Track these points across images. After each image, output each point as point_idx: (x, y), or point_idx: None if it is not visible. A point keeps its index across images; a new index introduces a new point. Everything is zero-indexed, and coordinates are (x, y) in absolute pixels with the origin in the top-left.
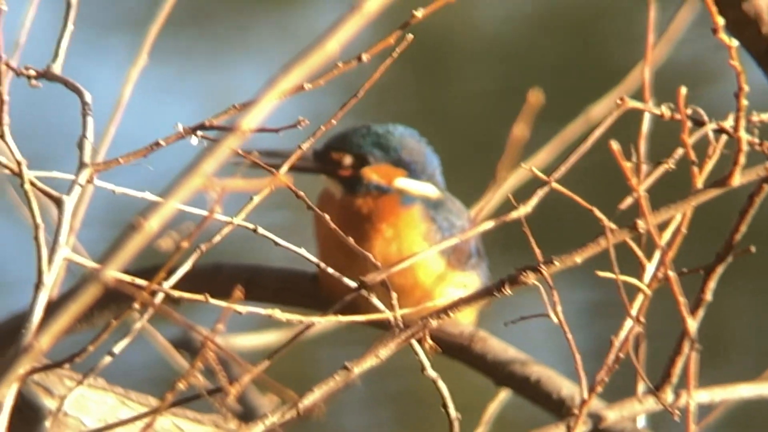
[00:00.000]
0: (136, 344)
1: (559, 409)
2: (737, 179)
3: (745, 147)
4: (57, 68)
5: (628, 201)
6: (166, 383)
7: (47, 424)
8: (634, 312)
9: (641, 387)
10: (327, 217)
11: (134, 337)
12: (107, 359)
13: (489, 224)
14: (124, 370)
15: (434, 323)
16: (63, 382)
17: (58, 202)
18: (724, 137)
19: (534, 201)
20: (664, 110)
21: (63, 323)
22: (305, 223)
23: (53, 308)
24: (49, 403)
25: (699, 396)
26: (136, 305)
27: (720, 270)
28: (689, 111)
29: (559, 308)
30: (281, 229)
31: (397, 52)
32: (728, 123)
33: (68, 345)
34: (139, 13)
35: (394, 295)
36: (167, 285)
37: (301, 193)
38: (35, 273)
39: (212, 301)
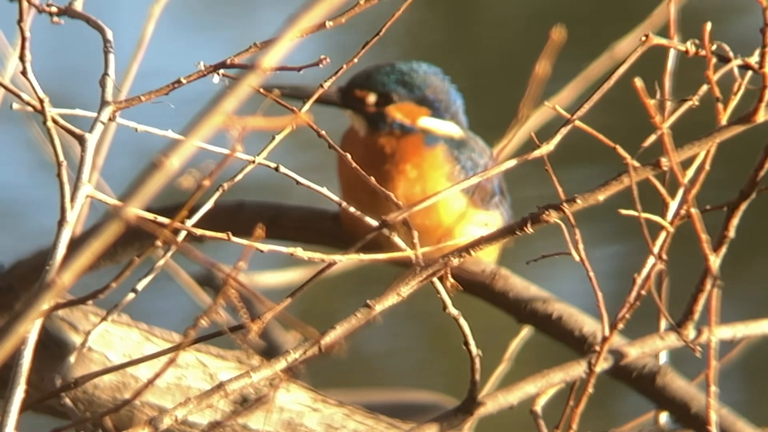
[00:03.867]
0: (160, 281)
1: (581, 345)
2: (762, 116)
3: None
4: (78, 5)
5: (652, 138)
6: (190, 320)
7: (72, 358)
8: (656, 249)
9: (663, 324)
10: (348, 156)
11: (157, 275)
12: (131, 296)
13: (512, 162)
14: (148, 306)
15: (456, 261)
16: (88, 318)
17: (81, 140)
18: (749, 73)
19: (557, 139)
20: (689, 46)
21: (86, 260)
22: (328, 163)
23: (76, 245)
24: (74, 339)
25: (721, 332)
26: (159, 243)
27: (743, 207)
28: (714, 47)
29: (581, 246)
30: (303, 169)
31: None
32: (753, 59)
33: (93, 282)
34: None
35: (415, 233)
36: (190, 223)
37: (323, 132)
38: (58, 210)
39: (234, 239)
